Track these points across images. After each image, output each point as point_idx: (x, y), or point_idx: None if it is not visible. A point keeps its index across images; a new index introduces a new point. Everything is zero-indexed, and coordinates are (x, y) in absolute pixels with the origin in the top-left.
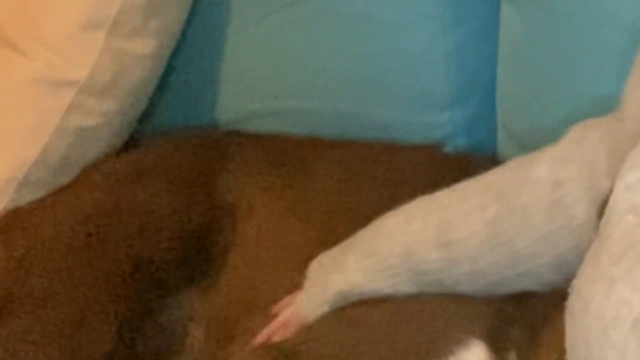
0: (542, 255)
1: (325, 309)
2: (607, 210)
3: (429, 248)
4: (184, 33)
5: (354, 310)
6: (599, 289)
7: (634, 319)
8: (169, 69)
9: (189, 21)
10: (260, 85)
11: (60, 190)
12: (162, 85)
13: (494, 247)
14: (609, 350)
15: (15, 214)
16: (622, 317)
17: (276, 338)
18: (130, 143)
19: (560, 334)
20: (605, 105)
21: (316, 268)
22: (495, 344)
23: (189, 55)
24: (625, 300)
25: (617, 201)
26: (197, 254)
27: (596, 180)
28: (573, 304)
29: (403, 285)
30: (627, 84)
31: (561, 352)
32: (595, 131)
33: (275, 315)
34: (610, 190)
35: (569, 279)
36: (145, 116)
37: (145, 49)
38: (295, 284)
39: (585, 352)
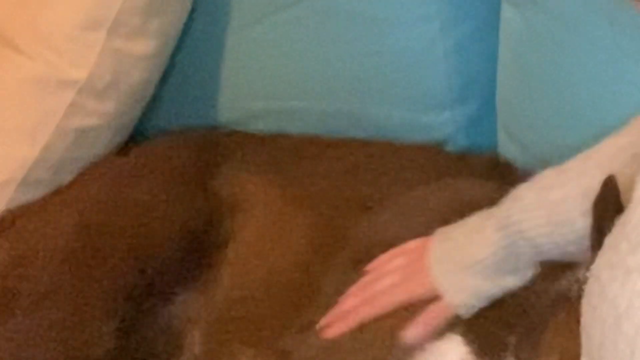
0: None
1: (471, 290)
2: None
3: (574, 217)
4: (184, 33)
5: None
6: (616, 276)
7: None
8: (169, 69)
9: (189, 21)
10: (260, 85)
11: (60, 190)
12: (162, 85)
13: None
14: (621, 341)
15: (15, 214)
16: (634, 308)
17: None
18: (130, 143)
19: (560, 335)
20: (606, 104)
21: (445, 239)
22: (487, 347)
23: (189, 55)
24: (639, 292)
25: (637, 189)
26: (197, 254)
27: None
28: (591, 289)
29: (545, 255)
30: None
31: (562, 353)
32: None
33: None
34: None
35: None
36: (145, 116)
37: (145, 49)
38: (295, 283)
39: (599, 339)
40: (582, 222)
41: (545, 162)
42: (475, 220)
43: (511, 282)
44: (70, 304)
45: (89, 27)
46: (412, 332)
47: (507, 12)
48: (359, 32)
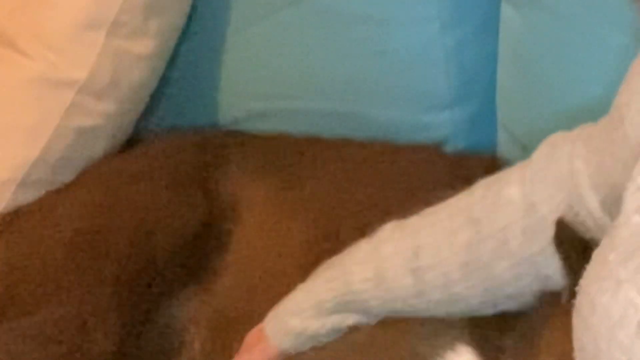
0: (524, 277)
1: (295, 332)
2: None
3: (401, 273)
4: (184, 33)
5: None
6: (607, 288)
7: (639, 320)
8: (169, 69)
9: (189, 21)
10: (260, 85)
11: (60, 190)
12: (162, 85)
13: (470, 273)
14: (616, 350)
15: (15, 214)
16: (628, 318)
17: None
18: (130, 143)
19: (558, 337)
20: (605, 105)
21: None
22: (485, 351)
23: (189, 55)
24: (632, 301)
25: (627, 202)
26: (197, 254)
27: (577, 196)
28: (580, 303)
29: (372, 311)
30: (624, 90)
31: (559, 355)
32: (566, 146)
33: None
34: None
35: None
36: (145, 116)
37: (145, 49)
38: (294, 285)
39: (593, 350)
40: (407, 280)
41: None
42: (317, 270)
43: (332, 325)
44: (71, 304)
45: (89, 27)
46: None
47: (507, 12)
48: (358, 32)
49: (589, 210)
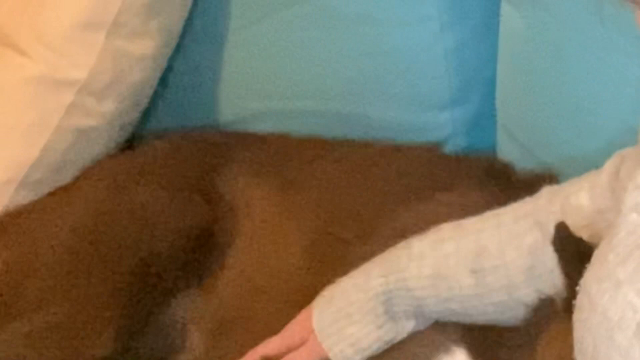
0: None
1: (350, 341)
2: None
3: (462, 273)
4: (184, 33)
5: None
6: (606, 289)
7: (638, 322)
8: (169, 69)
9: (189, 21)
10: (260, 85)
11: (60, 190)
12: (162, 85)
13: (534, 277)
14: (614, 352)
15: (15, 215)
16: (626, 319)
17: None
18: (130, 143)
19: (554, 344)
20: (605, 104)
21: (329, 291)
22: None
23: (189, 55)
24: (630, 303)
25: (626, 201)
26: (197, 254)
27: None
28: (581, 303)
29: (424, 310)
30: None
31: (556, 358)
32: (627, 162)
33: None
34: None
35: None
36: (145, 116)
37: (145, 49)
38: (293, 287)
39: (592, 351)
40: (468, 280)
41: (544, 162)
42: (366, 265)
43: (390, 334)
44: (71, 304)
45: (88, 27)
46: None
47: (507, 12)
48: (358, 32)
49: None
